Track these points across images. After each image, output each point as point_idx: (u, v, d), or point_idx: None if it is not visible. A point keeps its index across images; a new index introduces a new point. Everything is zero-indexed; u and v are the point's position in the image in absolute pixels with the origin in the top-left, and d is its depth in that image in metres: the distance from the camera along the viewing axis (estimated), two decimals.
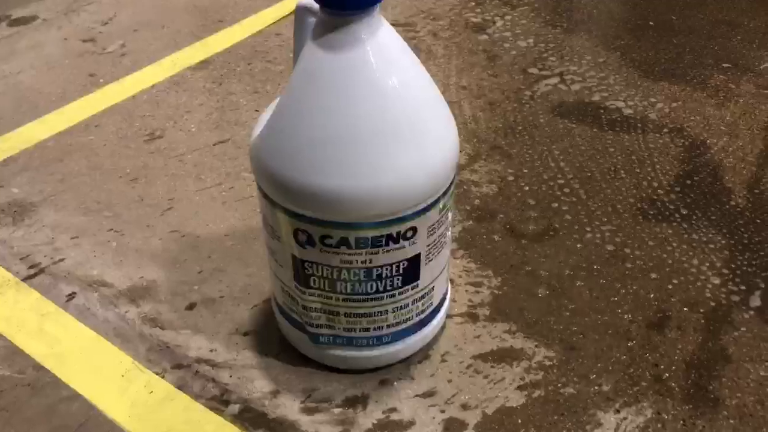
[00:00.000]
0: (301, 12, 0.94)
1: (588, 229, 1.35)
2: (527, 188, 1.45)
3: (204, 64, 1.88)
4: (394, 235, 0.91)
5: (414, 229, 0.92)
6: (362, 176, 0.85)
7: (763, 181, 1.46)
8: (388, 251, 0.93)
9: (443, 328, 1.13)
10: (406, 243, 0.93)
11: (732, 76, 1.80)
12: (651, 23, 2.04)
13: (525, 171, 1.50)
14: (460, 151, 1.56)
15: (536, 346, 1.12)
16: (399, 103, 0.86)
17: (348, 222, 0.88)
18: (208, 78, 1.82)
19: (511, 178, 1.48)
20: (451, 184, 0.95)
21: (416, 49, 1.93)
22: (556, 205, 1.41)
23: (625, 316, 1.18)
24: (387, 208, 0.87)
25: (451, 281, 1.24)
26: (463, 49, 1.92)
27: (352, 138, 0.84)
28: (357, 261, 0.92)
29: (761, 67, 1.83)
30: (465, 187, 1.46)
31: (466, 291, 1.23)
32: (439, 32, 2.01)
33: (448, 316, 1.16)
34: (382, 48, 0.86)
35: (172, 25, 2.07)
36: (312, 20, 0.89)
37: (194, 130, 1.64)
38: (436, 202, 0.93)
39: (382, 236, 0.90)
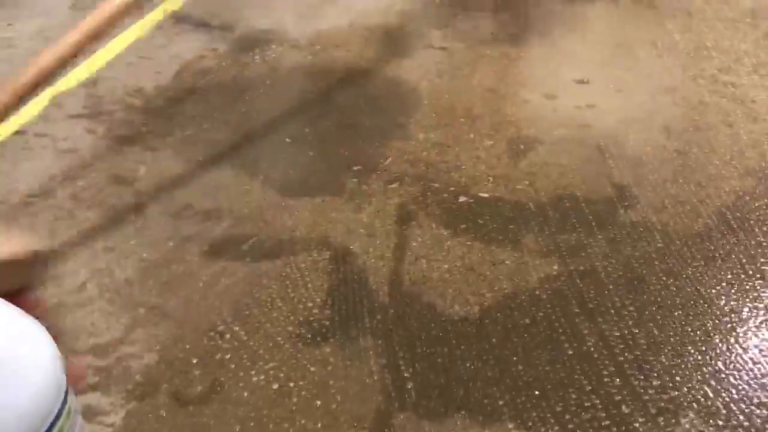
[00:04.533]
0: None
1: (253, 372, 1.37)
2: (189, 346, 1.44)
3: None
4: None
5: None
6: None
7: (401, 273, 1.63)
8: None
9: None
10: None
11: (363, 177, 1.99)
12: (288, 139, 2.19)
13: (185, 327, 1.49)
14: (117, 323, 1.50)
15: None
16: None
17: None
18: None
19: (171, 340, 1.46)
20: (59, 412, 0.90)
21: (57, 218, 1.84)
22: (219, 355, 1.41)
23: None
24: None
25: None
26: (108, 206, 1.88)
27: None
28: None
29: (385, 163, 2.05)
30: (124, 363, 1.40)
31: None
32: (80, 193, 1.93)
33: None
34: None
35: None
36: None
37: None
38: None
39: None
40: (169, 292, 1.58)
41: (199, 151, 2.13)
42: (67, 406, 0.93)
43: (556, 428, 1.25)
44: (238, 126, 2.27)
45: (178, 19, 3.08)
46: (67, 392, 0.93)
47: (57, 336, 1.32)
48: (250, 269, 1.65)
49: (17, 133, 2.25)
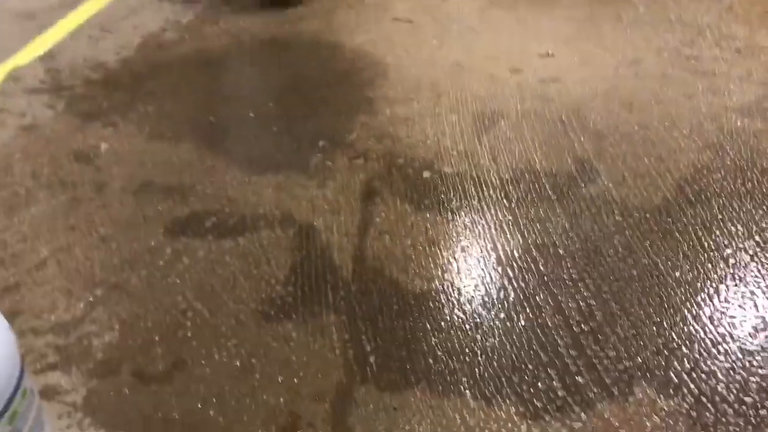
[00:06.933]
0: None
1: (215, 349, 1.38)
2: (151, 324, 1.44)
3: None
4: None
5: None
6: None
7: (364, 249, 1.64)
8: None
9: None
10: None
11: (328, 153, 1.99)
12: (251, 114, 2.17)
13: (147, 306, 1.48)
14: (78, 301, 1.49)
15: None
16: None
17: None
18: None
19: (133, 318, 1.45)
20: (14, 393, 0.90)
21: (16, 196, 1.81)
22: (182, 333, 1.42)
23: (259, 431, 1.22)
24: None
25: None
26: (67, 184, 1.85)
27: None
28: None
29: (350, 138, 2.05)
30: (85, 342, 1.39)
31: None
32: (40, 170, 1.90)
33: None
34: None
35: None
36: None
37: None
38: None
39: None
40: (130, 271, 1.58)
41: (161, 127, 2.10)
42: (22, 387, 0.94)
43: (512, 398, 1.28)
44: (202, 101, 2.24)
45: None
46: (22, 373, 0.94)
47: (17, 315, 1.31)
48: (212, 247, 1.64)
49: None
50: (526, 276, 1.54)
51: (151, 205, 1.77)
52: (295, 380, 1.31)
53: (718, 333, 1.41)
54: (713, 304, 1.47)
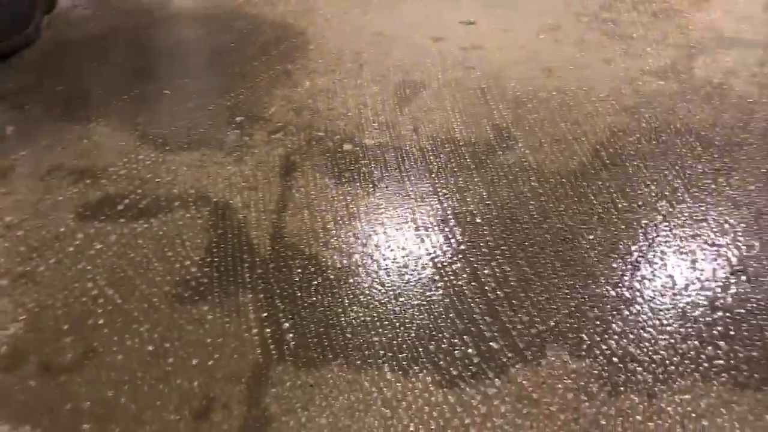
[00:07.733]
0: None
1: (127, 336, 1.34)
2: (60, 312, 1.39)
3: None
4: None
5: None
6: None
7: (283, 225, 1.61)
8: None
9: None
10: None
11: (246, 128, 1.95)
12: (167, 91, 2.10)
13: (56, 294, 1.43)
14: None
15: None
16: None
17: None
18: None
19: (40, 308, 1.40)
20: None
21: None
22: (92, 320, 1.37)
23: (172, 416, 1.20)
24: None
25: None
26: None
27: None
28: None
29: (270, 113, 2.01)
30: None
31: None
32: None
33: None
34: None
35: None
36: None
37: None
38: None
39: None
40: (38, 258, 1.52)
41: (71, 107, 2.02)
42: None
43: (429, 367, 1.29)
44: (114, 79, 2.16)
45: None
46: None
47: None
48: (125, 230, 1.59)
49: None
50: (444, 246, 1.55)
51: (61, 190, 1.71)
52: (210, 362, 1.29)
53: (629, 294, 1.45)
54: (625, 266, 1.51)
